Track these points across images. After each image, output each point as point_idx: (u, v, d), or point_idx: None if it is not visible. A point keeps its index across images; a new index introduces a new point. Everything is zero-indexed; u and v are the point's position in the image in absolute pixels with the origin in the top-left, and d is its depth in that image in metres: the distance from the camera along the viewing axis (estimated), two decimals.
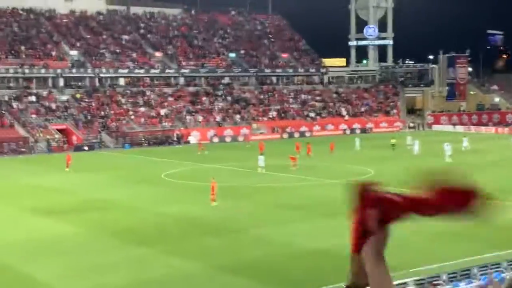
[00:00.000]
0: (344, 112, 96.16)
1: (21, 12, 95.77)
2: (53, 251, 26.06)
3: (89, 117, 79.88)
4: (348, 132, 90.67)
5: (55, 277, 22.44)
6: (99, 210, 34.83)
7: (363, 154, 60.27)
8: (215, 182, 35.30)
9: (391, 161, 52.93)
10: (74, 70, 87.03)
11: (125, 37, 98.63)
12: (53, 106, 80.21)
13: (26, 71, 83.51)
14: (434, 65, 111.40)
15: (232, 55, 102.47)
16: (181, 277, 22.27)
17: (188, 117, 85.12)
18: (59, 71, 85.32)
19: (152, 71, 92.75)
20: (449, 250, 24.79)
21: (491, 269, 20.36)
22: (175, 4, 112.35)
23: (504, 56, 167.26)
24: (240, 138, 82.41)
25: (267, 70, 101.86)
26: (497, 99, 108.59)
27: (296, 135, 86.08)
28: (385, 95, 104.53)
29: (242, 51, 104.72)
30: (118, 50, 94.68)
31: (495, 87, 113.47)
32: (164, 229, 30.02)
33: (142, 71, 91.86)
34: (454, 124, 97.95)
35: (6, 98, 79.00)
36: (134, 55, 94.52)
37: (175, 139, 79.09)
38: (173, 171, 50.95)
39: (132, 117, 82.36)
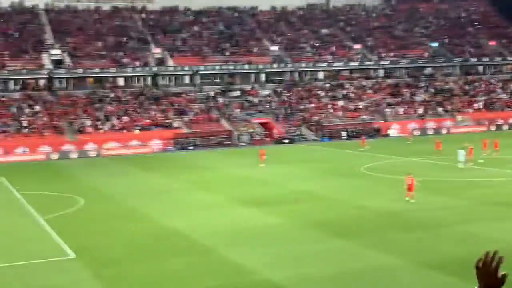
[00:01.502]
0: None
1: (225, 10, 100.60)
2: (258, 239, 26.94)
3: (289, 111, 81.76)
4: None
5: (261, 264, 23.14)
6: (300, 202, 35.43)
7: None
8: (411, 177, 34.07)
9: None
10: (275, 65, 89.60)
11: (325, 30, 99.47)
12: (256, 100, 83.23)
13: (231, 67, 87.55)
14: None
15: (435, 44, 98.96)
16: (380, 270, 21.89)
17: (387, 110, 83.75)
18: (261, 66, 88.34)
19: (351, 63, 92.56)
20: None
21: None
22: None
23: None
24: (443, 131, 79.36)
25: (473, 59, 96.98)
26: None
27: (505, 127, 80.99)
28: None
29: (446, 40, 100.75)
30: (317, 44, 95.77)
31: None
32: (364, 222, 29.74)
33: (341, 64, 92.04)
34: None
35: (212, 94, 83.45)
36: (333, 48, 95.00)
37: (374, 132, 78.16)
38: (373, 164, 50.41)
39: (331, 110, 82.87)
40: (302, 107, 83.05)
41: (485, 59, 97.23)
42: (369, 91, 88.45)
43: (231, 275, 22.25)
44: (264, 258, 23.93)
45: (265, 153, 53.71)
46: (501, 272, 2.90)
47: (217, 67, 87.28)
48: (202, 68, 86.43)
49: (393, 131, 78.87)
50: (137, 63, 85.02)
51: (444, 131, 79.36)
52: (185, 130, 74.96)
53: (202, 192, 40.27)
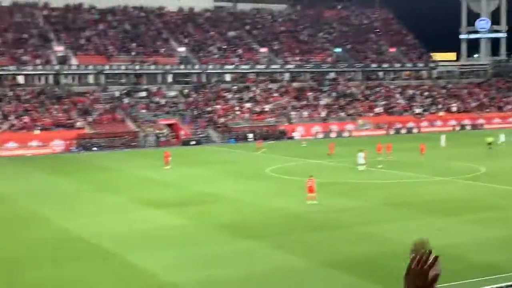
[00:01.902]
0: (453, 108, 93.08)
1: (132, 9, 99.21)
2: (161, 242, 26.69)
3: (196, 112, 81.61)
4: (457, 128, 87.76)
5: (164, 267, 22.92)
6: (206, 204, 35.43)
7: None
8: (312, 179, 34.75)
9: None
10: (182, 66, 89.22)
11: (232, 33, 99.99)
12: (162, 101, 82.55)
13: (137, 67, 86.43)
14: None
15: (338, 50, 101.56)
16: (285, 271, 22.20)
17: (292, 113, 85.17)
18: (167, 67, 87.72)
19: (258, 67, 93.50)
20: None
21: None
22: (281, 0, 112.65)
23: None
24: (345, 134, 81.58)
25: (374, 65, 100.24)
26: None
27: (403, 131, 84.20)
28: (497, 90, 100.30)
29: (348, 46, 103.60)
30: (224, 46, 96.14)
31: None
32: (269, 223, 30.08)
33: (247, 67, 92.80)
34: None
35: (118, 94, 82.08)
36: (240, 51, 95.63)
37: (279, 134, 79.31)
38: (278, 166, 51.11)
39: (238, 112, 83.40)
40: (209, 108, 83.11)
41: (385, 65, 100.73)
42: (275, 94, 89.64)
43: (132, 279, 21.91)
44: (168, 261, 23.74)
45: (169, 155, 52.85)
46: (433, 272, 2.93)
47: (123, 67, 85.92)
48: (107, 67, 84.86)
49: (297, 134, 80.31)
50: (38, 61, 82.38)
51: (346, 134, 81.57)
52: (89, 131, 73.33)
53: (105, 194, 39.47)
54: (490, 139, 58.39)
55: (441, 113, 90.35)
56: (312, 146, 67.09)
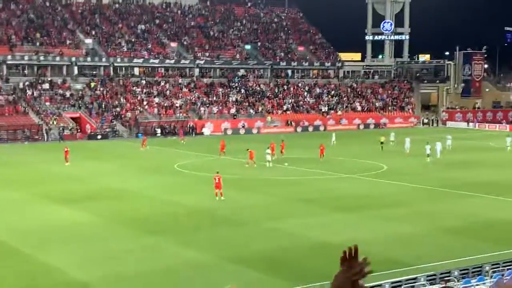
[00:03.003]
0: (358, 107, 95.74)
1: None
2: (66, 238, 26.14)
3: (103, 106, 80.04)
4: (362, 127, 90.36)
5: (69, 263, 22.49)
6: (112, 199, 34.90)
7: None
8: (219, 175, 34.88)
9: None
10: (88, 59, 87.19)
11: (141, 26, 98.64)
12: (67, 94, 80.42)
13: (41, 58, 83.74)
14: (450, 62, 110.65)
15: (248, 47, 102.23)
16: (191, 267, 22.27)
17: (202, 108, 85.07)
18: (73, 59, 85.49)
19: (167, 61, 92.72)
20: (462, 247, 24.60)
21: (503, 267, 20.14)
22: None
23: None
24: (254, 131, 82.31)
25: (283, 63, 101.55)
26: None
27: (310, 129, 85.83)
28: (400, 91, 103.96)
29: (258, 43, 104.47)
30: (133, 40, 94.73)
31: (511, 84, 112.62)
32: (176, 219, 30.02)
33: (157, 61, 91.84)
34: (468, 122, 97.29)
35: (21, 85, 79.29)
36: (150, 45, 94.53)
37: (189, 130, 79.06)
38: (186, 162, 50.97)
39: (146, 107, 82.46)
40: (116, 102, 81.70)
41: (294, 63, 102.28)
42: (185, 90, 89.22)
43: (37, 276, 21.37)
44: (73, 258, 23.28)
45: (68, 150, 49.58)
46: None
47: (26, 58, 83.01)
48: (9, 57, 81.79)
49: (207, 130, 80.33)
50: None
51: (255, 131, 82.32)
52: None
53: (6, 190, 38.09)
54: (382, 139, 60.25)
55: (339, 112, 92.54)
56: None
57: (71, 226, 28.23)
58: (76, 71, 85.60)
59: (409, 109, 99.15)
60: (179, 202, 34.09)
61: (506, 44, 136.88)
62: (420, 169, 47.00)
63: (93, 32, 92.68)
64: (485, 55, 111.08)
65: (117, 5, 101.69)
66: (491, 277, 19.04)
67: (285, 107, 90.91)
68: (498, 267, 20.16)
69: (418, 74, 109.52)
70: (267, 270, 21.84)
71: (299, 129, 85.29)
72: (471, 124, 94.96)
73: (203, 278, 21.22)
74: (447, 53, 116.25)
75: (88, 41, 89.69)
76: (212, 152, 56.13)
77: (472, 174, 44.48)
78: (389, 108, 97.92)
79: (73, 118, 75.72)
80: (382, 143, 59.58)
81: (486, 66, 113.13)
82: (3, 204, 33.70)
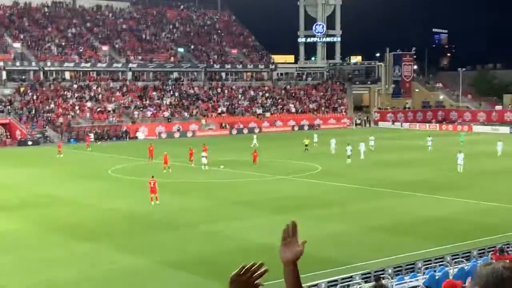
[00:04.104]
0: (293, 109, 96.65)
1: None
2: None
3: (33, 111, 78.14)
4: (296, 128, 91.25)
5: (1, 273, 21.84)
6: (43, 206, 34.10)
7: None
8: (154, 179, 34.62)
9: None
10: (17, 63, 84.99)
11: (72, 30, 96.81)
12: None
13: None
14: (380, 63, 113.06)
15: (181, 50, 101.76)
16: (127, 272, 22.00)
17: (136, 112, 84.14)
18: (1, 63, 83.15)
19: (99, 65, 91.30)
20: (394, 245, 25.16)
21: (435, 263, 20.69)
22: None
23: (449, 54, 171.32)
24: (189, 134, 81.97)
25: (216, 66, 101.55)
26: (441, 97, 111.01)
27: (245, 131, 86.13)
28: (333, 92, 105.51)
29: (191, 46, 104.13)
30: (63, 43, 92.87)
31: (439, 84, 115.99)
32: (111, 225, 29.59)
33: (88, 65, 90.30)
34: (393, 121, 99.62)
35: None
36: (81, 48, 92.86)
37: (122, 134, 78.10)
38: (120, 167, 50.30)
39: (78, 111, 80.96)
40: (47, 107, 79.89)
41: (228, 66, 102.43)
42: (118, 94, 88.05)
43: None
44: (5, 266, 22.64)
45: None
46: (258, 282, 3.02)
47: None
48: None
49: (141, 134, 79.50)
50: None
51: (190, 134, 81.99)
52: None
53: None
54: (306, 141, 60.54)
55: (269, 114, 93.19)
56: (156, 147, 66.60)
57: (2, 234, 27.43)
58: (4, 76, 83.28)
59: (341, 110, 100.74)
60: (114, 207, 33.62)
61: (434, 46, 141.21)
62: (349, 169, 47.74)
63: (22, 36, 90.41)
64: (414, 56, 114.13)
65: (46, 9, 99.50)
66: (424, 273, 19.52)
67: (219, 110, 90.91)
68: (430, 263, 20.70)
69: (350, 76, 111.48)
70: (204, 274, 21.79)
71: (234, 131, 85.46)
72: (404, 124, 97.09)
73: (139, 283, 21.00)
74: (378, 54, 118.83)
75: (17, 45, 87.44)
76: (146, 157, 55.52)
77: (400, 172, 45.54)
78: (322, 109, 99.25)
79: (2, 124, 73.63)
80: (306, 145, 59.84)
81: (415, 67, 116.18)
82: None
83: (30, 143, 71.11)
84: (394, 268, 20.47)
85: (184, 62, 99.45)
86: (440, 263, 20.67)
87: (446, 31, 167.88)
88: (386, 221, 29.73)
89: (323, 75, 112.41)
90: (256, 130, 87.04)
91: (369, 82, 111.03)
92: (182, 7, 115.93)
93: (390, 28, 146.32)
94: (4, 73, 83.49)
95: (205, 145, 50.86)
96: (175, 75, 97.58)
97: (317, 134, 67.58)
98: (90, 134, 74.19)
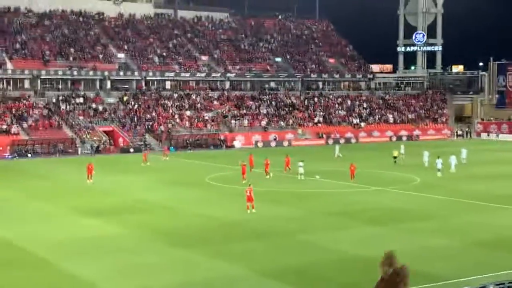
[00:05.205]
0: (391, 119, 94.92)
1: (70, 14, 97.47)
2: (98, 251, 26.15)
3: (135, 120, 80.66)
4: (394, 139, 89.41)
5: (99, 276, 22.46)
6: (144, 212, 34.97)
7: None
8: (251, 188, 34.72)
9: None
10: (121, 73, 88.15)
11: (172, 41, 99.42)
12: (100, 108, 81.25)
13: (75, 73, 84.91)
14: (484, 72, 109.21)
15: (278, 59, 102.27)
16: (225, 280, 22.05)
17: (233, 121, 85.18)
18: (106, 73, 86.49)
19: (198, 74, 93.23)
20: (497, 261, 24.04)
21: None
22: (222, 8, 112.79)
23: None
24: (285, 143, 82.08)
25: (313, 75, 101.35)
26: None
27: (342, 141, 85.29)
28: (433, 102, 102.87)
29: (289, 56, 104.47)
30: (164, 54, 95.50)
31: None
32: (208, 232, 29.88)
33: (188, 74, 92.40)
34: (489, 133, 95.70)
35: (55, 100, 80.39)
36: (181, 58, 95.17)
37: (219, 143, 79.27)
38: (217, 175, 50.95)
39: (178, 120, 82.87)
40: (148, 116, 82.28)
41: (325, 75, 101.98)
42: (216, 103, 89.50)
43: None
44: (104, 270, 23.27)
45: (93, 168, 46.91)
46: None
47: (60, 72, 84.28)
48: (43, 72, 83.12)
49: (237, 143, 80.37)
50: None
51: (286, 143, 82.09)
52: (24, 137, 71.52)
53: (40, 202, 38.51)
54: (395, 153, 58.55)
55: (364, 125, 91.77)
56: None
57: (101, 239, 28.28)
58: (109, 85, 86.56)
59: (442, 121, 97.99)
60: (211, 214, 34.00)
61: None
62: (448, 181, 46.05)
63: (126, 47, 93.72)
64: None
65: (149, 20, 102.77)
66: None
67: (316, 120, 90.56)
68: None
69: (451, 86, 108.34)
70: (298, 284, 21.56)
71: (330, 141, 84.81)
72: (501, 135, 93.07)
73: None
74: (481, 64, 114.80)
75: (121, 55, 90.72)
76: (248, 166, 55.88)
77: (500, 185, 43.60)
78: (422, 119, 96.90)
79: (106, 132, 76.41)
80: (395, 157, 58.11)
81: None
82: (34, 216, 34.03)
83: (132, 150, 73.36)
84: (497, 285, 19.55)
85: (281, 72, 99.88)
86: None
87: None
88: (486, 236, 28.51)
89: (423, 84, 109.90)
90: (353, 141, 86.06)
91: (471, 92, 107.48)
92: (280, 17, 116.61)
93: (494, 37, 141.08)
94: (108, 83, 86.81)
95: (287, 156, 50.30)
96: (272, 84, 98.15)
97: (404, 145, 64.81)
98: (168, 145, 74.46)
